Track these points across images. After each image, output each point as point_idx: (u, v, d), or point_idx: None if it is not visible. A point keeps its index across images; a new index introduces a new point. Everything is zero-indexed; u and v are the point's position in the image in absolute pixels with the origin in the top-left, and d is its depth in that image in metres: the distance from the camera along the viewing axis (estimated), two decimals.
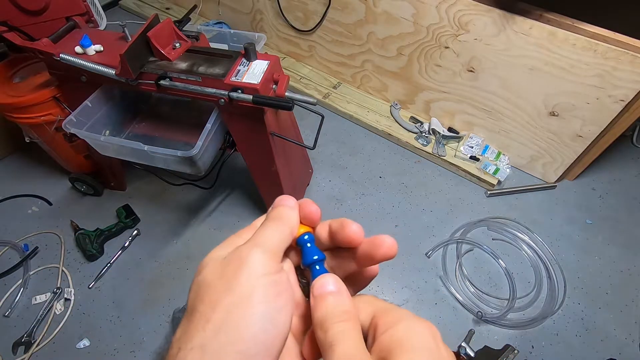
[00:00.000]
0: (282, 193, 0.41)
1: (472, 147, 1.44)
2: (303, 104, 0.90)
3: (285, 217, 0.25)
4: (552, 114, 1.23)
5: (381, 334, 0.21)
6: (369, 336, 0.22)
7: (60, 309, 1.11)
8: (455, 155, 1.44)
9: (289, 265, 0.27)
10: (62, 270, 1.18)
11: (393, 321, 0.21)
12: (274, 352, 0.21)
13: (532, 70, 1.17)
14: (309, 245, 0.26)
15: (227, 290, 0.21)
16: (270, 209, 0.27)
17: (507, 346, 0.97)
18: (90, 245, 1.19)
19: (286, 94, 0.87)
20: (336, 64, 1.67)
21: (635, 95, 1.05)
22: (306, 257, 0.25)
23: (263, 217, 0.26)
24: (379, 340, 0.21)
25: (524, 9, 1.09)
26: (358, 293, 0.28)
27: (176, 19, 0.94)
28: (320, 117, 0.96)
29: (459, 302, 1.12)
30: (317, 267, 0.25)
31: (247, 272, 0.22)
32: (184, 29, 0.94)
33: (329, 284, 0.23)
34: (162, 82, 0.85)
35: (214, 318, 0.21)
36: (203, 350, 0.20)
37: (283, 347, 0.22)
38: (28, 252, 1.20)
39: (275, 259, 0.23)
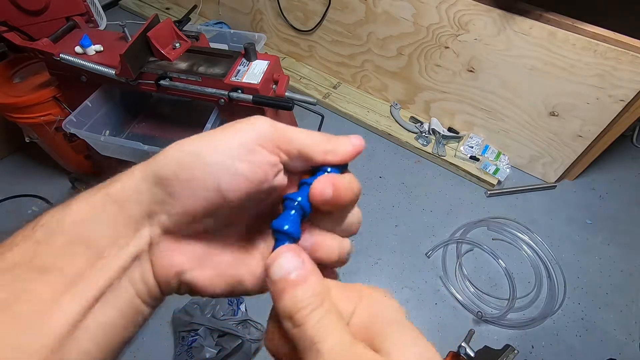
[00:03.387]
0: None
1: (472, 147, 1.44)
2: (303, 104, 0.90)
3: (335, 141, 0.23)
4: (552, 114, 1.23)
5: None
6: None
7: None
8: (455, 155, 1.44)
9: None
10: None
11: (354, 296, 0.19)
12: (197, 188, 0.20)
13: (532, 70, 1.17)
14: (293, 212, 0.21)
15: (220, 130, 0.21)
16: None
17: (507, 346, 0.97)
18: None
19: (286, 94, 0.87)
20: (336, 64, 1.67)
21: (635, 95, 1.05)
22: (280, 220, 0.21)
23: None
24: (353, 321, 0.18)
25: (524, 9, 1.09)
26: None
27: (176, 19, 0.94)
28: (320, 117, 0.96)
29: (459, 302, 1.12)
30: (293, 211, 0.21)
31: (246, 126, 0.21)
32: (184, 29, 0.94)
33: (289, 262, 0.18)
34: (162, 82, 0.85)
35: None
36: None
37: (221, 203, 0.20)
38: None
39: (279, 143, 0.22)
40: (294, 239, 0.20)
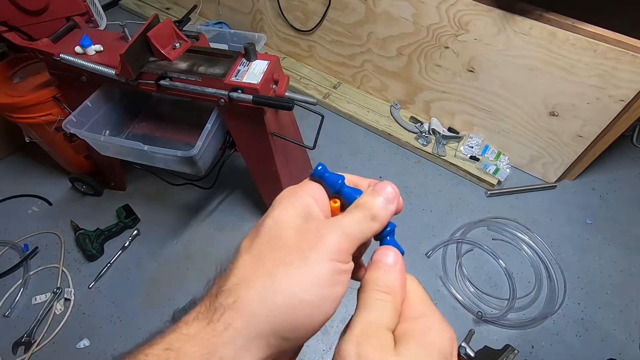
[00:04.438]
0: None
1: (472, 147, 1.44)
2: (303, 104, 0.90)
3: (381, 216, 0.25)
4: (552, 114, 1.23)
5: (403, 320, 0.22)
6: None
7: (60, 309, 1.11)
8: (455, 155, 1.44)
9: None
10: (62, 271, 1.18)
11: (421, 312, 0.22)
12: (304, 330, 0.22)
13: (532, 70, 1.17)
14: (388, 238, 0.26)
15: (300, 256, 0.22)
16: (371, 189, 0.26)
17: (507, 346, 0.97)
18: (90, 245, 1.19)
19: (286, 94, 0.87)
20: (336, 64, 1.67)
21: (635, 95, 1.05)
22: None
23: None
24: (400, 326, 0.22)
25: (524, 9, 1.09)
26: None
27: (176, 19, 0.94)
28: (320, 117, 0.96)
29: (459, 302, 1.12)
30: (389, 237, 0.26)
31: (322, 249, 0.22)
32: (184, 29, 0.94)
33: (389, 256, 0.24)
34: (162, 82, 0.85)
35: (270, 261, 0.22)
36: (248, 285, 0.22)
37: (314, 333, 0.23)
38: (28, 252, 1.20)
39: (351, 249, 0.23)
40: (393, 229, 0.27)
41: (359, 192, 0.26)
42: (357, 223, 0.24)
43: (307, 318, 0.21)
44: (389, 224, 0.26)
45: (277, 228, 0.24)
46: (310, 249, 0.22)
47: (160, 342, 0.21)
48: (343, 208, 0.27)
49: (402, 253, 0.25)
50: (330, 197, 0.27)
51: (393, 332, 0.21)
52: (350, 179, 0.28)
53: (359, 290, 0.24)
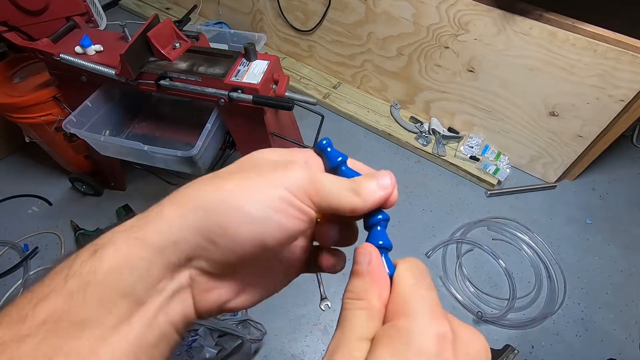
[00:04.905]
0: None
1: (472, 147, 1.44)
2: (303, 104, 0.90)
3: (365, 194, 0.23)
4: (552, 114, 1.23)
5: (386, 321, 0.20)
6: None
7: None
8: (455, 155, 1.44)
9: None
10: None
11: (402, 310, 0.20)
12: (233, 241, 0.21)
13: (532, 70, 1.17)
14: (379, 222, 0.24)
15: (255, 169, 0.22)
16: (370, 173, 0.25)
17: (507, 346, 0.97)
18: None
19: (286, 94, 0.87)
20: (336, 64, 1.67)
21: (635, 95, 1.05)
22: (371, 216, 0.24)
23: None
24: (378, 330, 0.19)
25: (524, 9, 1.09)
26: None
27: (176, 19, 0.94)
28: (320, 117, 0.96)
29: (459, 302, 1.12)
30: (379, 227, 0.24)
31: (282, 177, 0.22)
32: (184, 29, 0.94)
33: (362, 256, 0.22)
34: (162, 82, 0.85)
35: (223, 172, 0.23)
36: (189, 184, 0.22)
37: (244, 256, 0.22)
38: (28, 252, 1.20)
39: (316, 197, 0.22)
40: (386, 219, 0.24)
41: (356, 174, 0.25)
42: (336, 185, 0.23)
43: (239, 227, 0.20)
44: (380, 212, 0.24)
45: (252, 159, 0.24)
46: (270, 173, 0.22)
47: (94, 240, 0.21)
48: None
49: (390, 247, 0.23)
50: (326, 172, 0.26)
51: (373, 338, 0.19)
52: (354, 164, 0.27)
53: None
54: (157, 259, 0.20)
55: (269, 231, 0.21)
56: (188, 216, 0.20)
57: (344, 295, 0.21)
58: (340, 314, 0.21)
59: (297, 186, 0.22)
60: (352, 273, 0.22)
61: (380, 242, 0.23)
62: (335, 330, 0.20)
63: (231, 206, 0.21)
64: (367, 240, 0.23)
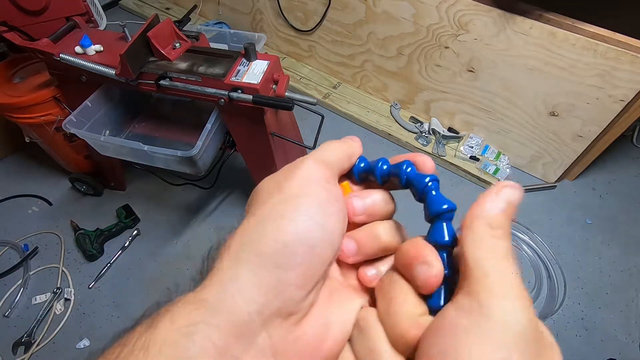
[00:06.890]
0: None
1: (472, 147, 1.44)
2: (303, 104, 0.90)
3: (348, 141, 0.25)
4: (552, 114, 1.23)
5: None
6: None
7: (60, 309, 1.11)
8: (455, 155, 1.44)
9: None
10: (62, 270, 1.18)
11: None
12: (319, 256, 0.20)
13: (532, 70, 1.17)
14: (434, 192, 0.21)
15: (276, 190, 0.21)
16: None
17: None
18: (90, 245, 1.19)
19: (286, 94, 0.87)
20: (336, 64, 1.67)
21: (635, 95, 1.05)
22: (435, 205, 0.21)
23: None
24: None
25: (524, 9, 1.09)
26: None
27: (176, 19, 0.94)
28: (320, 117, 0.96)
29: None
30: (434, 192, 0.21)
31: (299, 175, 0.21)
32: (184, 29, 0.94)
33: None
34: (162, 82, 0.85)
35: (258, 212, 0.21)
36: (242, 236, 0.20)
37: (332, 259, 0.21)
38: (28, 252, 1.20)
39: (330, 171, 0.22)
40: (453, 210, 0.21)
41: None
42: (330, 147, 0.24)
43: (297, 241, 0.19)
44: (425, 174, 0.21)
45: (257, 186, 0.23)
46: (285, 180, 0.22)
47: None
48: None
49: (454, 208, 0.21)
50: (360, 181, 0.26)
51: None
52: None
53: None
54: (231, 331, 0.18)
55: (329, 246, 0.21)
56: (259, 275, 0.19)
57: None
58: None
59: (317, 174, 0.22)
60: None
61: (445, 207, 0.21)
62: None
63: (297, 245, 0.20)
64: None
